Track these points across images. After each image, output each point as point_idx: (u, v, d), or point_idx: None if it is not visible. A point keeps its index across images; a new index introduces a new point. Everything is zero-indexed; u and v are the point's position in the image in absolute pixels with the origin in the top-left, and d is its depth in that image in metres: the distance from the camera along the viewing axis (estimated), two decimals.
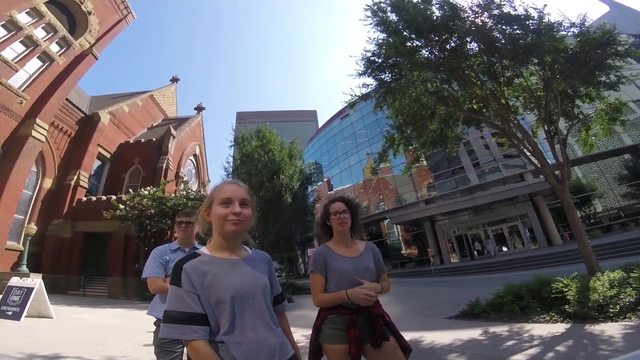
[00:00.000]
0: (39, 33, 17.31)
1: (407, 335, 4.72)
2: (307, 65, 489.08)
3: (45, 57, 17.60)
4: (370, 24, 7.75)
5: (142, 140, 24.92)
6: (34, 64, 17.12)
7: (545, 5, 6.83)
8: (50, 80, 17.49)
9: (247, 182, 18.79)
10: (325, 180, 35.82)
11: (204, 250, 1.29)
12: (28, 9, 16.78)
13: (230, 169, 20.56)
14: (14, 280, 8.30)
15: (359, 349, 1.78)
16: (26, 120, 16.01)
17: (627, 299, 4.22)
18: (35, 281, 8.27)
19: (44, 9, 17.35)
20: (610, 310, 4.17)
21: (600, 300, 4.32)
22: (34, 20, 17.16)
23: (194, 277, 1.16)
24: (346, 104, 8.93)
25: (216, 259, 1.25)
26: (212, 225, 1.31)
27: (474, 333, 4.55)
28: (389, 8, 7.60)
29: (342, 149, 34.42)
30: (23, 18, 16.50)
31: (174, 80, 36.27)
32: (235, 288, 1.18)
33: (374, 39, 7.85)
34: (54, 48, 18.09)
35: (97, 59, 20.40)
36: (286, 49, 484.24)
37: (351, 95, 8.38)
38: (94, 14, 20.09)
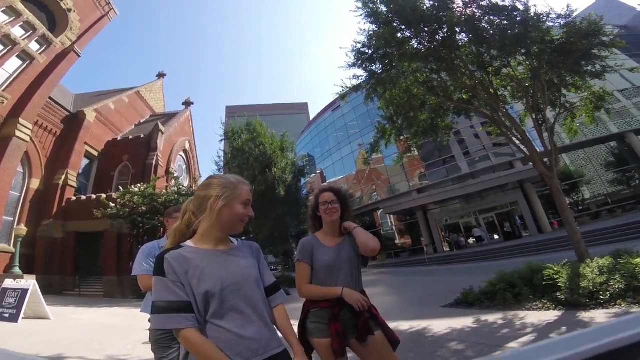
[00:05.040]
0: (17, 32, 16.74)
1: (404, 325, 4.83)
2: (297, 58, 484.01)
3: (25, 56, 17.11)
4: (361, 15, 7.67)
5: (130, 137, 24.54)
6: (13, 63, 16.61)
7: None
8: (31, 79, 17.03)
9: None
10: (318, 172, 35.79)
11: (187, 243, 1.26)
12: (4, 8, 16.21)
13: (222, 163, 20.36)
14: (8, 282, 8.23)
15: (341, 343, 1.72)
16: (9, 120, 15.63)
17: (617, 286, 4.28)
18: (30, 282, 8.21)
19: (21, 7, 16.77)
20: (601, 297, 4.24)
21: (591, 287, 4.40)
22: (11, 19, 16.61)
23: (176, 266, 1.15)
24: (337, 96, 8.90)
25: (200, 250, 1.23)
26: (209, 217, 1.25)
27: (469, 321, 4.63)
28: None
29: (334, 141, 34.29)
30: None
31: (161, 75, 35.67)
32: (221, 279, 1.17)
33: (365, 30, 7.79)
34: (33, 46, 17.56)
35: (79, 56, 19.89)
36: (275, 41, 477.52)
37: (342, 87, 8.37)
38: (74, 11, 19.51)
